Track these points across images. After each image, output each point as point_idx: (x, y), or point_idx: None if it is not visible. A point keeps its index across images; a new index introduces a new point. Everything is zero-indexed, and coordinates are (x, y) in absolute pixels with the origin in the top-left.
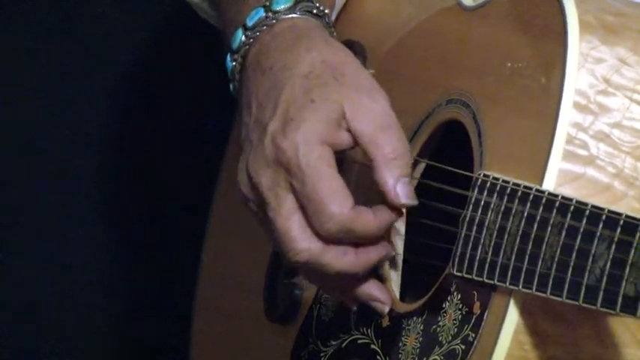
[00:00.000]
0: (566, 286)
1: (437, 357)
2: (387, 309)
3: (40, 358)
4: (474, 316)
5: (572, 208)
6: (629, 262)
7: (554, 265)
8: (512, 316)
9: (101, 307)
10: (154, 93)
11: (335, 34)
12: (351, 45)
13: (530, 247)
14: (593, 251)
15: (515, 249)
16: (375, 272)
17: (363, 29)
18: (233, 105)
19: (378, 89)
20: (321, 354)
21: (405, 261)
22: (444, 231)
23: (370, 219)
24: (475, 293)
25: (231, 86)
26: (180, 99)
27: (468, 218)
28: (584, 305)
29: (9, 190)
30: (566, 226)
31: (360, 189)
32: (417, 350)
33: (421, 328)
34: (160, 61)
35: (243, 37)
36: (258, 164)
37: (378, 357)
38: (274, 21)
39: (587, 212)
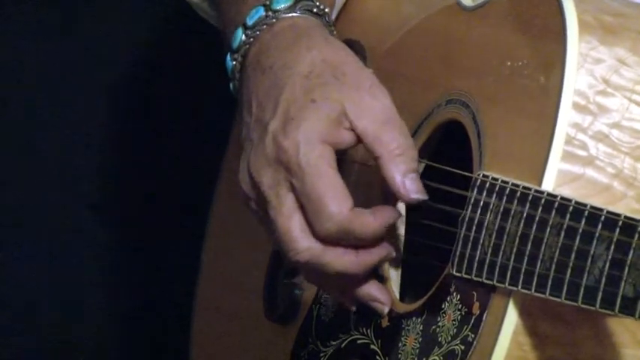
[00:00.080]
0: (565, 286)
1: (436, 357)
2: (386, 309)
3: (40, 358)
4: (474, 317)
5: (571, 208)
6: (628, 263)
7: (553, 266)
8: (512, 317)
9: (101, 307)
10: (154, 93)
11: (335, 32)
12: (351, 44)
13: (529, 248)
14: (592, 252)
15: (515, 249)
16: (375, 272)
17: (363, 29)
18: (233, 105)
19: (378, 86)
20: (321, 354)
21: (404, 261)
22: (444, 231)
23: (369, 220)
24: (474, 294)
25: (231, 85)
26: (180, 99)
27: (467, 218)
28: (583, 306)
29: (9, 190)
30: (565, 226)
31: (359, 189)
32: (417, 350)
33: (420, 328)
34: (160, 61)
35: (243, 37)
36: (260, 163)
37: (377, 357)
38: (274, 20)
39: (586, 213)
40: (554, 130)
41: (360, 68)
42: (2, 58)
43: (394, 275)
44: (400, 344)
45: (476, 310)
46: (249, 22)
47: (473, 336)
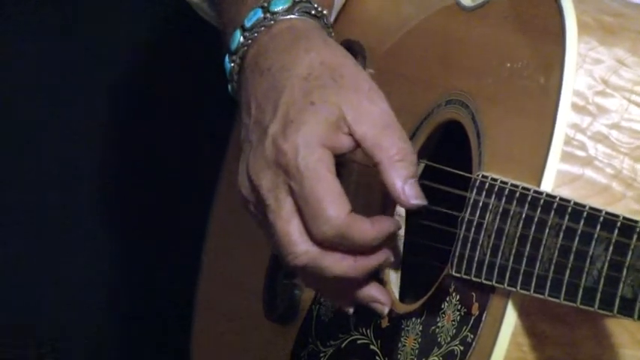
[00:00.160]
0: (564, 287)
1: (436, 358)
2: (386, 310)
3: (40, 358)
4: (473, 317)
5: (570, 209)
6: (627, 264)
7: (552, 267)
8: (511, 318)
9: (101, 307)
10: (154, 93)
11: (333, 34)
12: (350, 45)
13: (528, 249)
14: (590, 253)
15: (513, 250)
16: (374, 274)
17: (363, 29)
18: (233, 105)
19: (376, 90)
20: (321, 354)
21: (404, 262)
22: (443, 232)
23: (367, 227)
24: (474, 294)
25: (229, 87)
26: (180, 99)
27: (466, 219)
28: (582, 307)
29: (9, 190)
30: (563, 227)
31: (359, 192)
32: (416, 351)
33: (420, 328)
34: (160, 61)
35: (242, 38)
36: (259, 166)
37: (377, 357)
38: (272, 22)
39: (585, 214)
40: (554, 131)
41: (358, 71)
42: (2, 58)
43: (394, 276)
44: (400, 345)
45: (475, 310)
46: (247, 23)
47: (472, 336)
